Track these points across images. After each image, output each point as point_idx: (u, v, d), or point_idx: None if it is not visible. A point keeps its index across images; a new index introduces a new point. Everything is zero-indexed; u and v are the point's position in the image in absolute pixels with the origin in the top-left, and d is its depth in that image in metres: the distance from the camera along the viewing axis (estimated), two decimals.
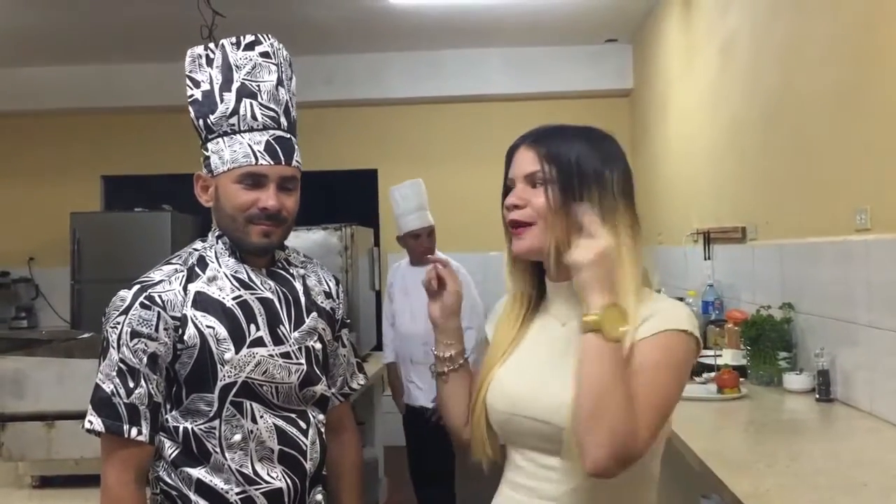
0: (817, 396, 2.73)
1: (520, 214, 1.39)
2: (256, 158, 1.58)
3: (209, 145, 1.62)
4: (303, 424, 1.64)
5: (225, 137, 1.60)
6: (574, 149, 1.39)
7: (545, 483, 1.37)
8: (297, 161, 1.64)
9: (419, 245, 4.24)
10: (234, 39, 1.65)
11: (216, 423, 1.56)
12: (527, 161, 1.41)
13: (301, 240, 5.19)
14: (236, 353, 1.56)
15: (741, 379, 2.95)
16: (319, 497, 1.69)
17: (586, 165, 1.37)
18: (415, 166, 6.60)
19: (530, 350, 1.44)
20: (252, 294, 1.62)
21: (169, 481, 1.58)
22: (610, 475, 1.23)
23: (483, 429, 1.45)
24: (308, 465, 1.63)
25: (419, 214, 4.24)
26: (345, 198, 6.61)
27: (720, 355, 3.26)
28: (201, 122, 1.63)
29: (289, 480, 1.60)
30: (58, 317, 6.81)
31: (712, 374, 2.93)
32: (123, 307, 1.55)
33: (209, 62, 1.64)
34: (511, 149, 1.46)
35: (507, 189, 1.44)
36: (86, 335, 3.50)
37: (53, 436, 2.26)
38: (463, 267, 4.27)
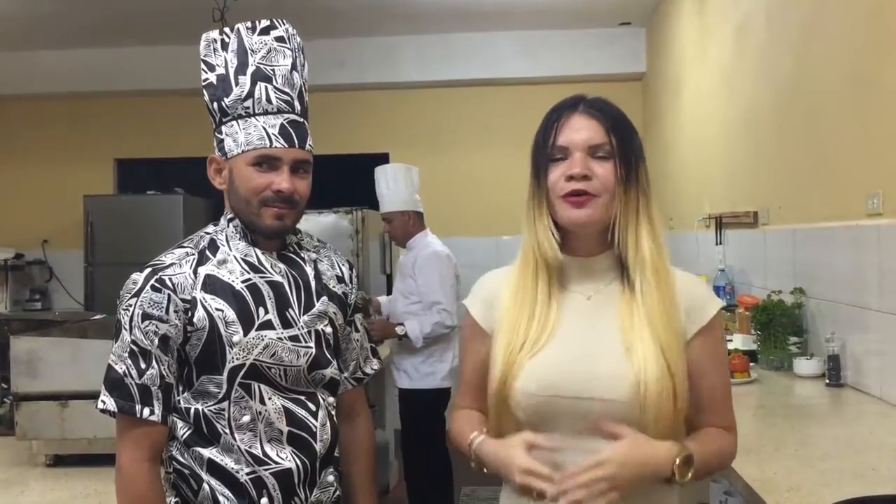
0: (827, 381, 2.73)
1: (589, 186, 1.35)
2: (271, 141, 1.59)
3: (223, 128, 1.63)
4: (312, 406, 1.65)
5: (240, 120, 1.61)
6: (628, 124, 1.42)
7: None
8: (309, 145, 1.66)
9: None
10: (249, 24, 1.66)
11: (225, 404, 1.57)
12: (590, 130, 1.38)
13: (312, 223, 5.21)
14: (245, 335, 1.57)
15: (751, 364, 2.95)
16: (331, 478, 1.69)
17: (637, 143, 1.42)
18: (426, 150, 6.61)
19: (564, 329, 1.40)
20: (261, 277, 1.63)
21: (182, 461, 1.60)
22: None
23: (503, 418, 1.42)
24: (318, 447, 1.64)
25: (382, 200, 4.24)
26: (356, 181, 6.59)
27: (731, 340, 3.26)
28: (216, 105, 1.64)
29: (298, 461, 1.61)
30: (71, 299, 6.87)
31: None
32: (135, 290, 1.57)
33: (224, 46, 1.65)
34: (558, 112, 1.41)
35: (550, 155, 1.38)
36: (99, 316, 3.54)
37: (67, 415, 2.28)
38: (444, 247, 4.15)
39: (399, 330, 4.03)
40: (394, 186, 4.19)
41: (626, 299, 1.38)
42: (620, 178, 1.37)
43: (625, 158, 1.38)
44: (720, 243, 4.13)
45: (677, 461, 1.29)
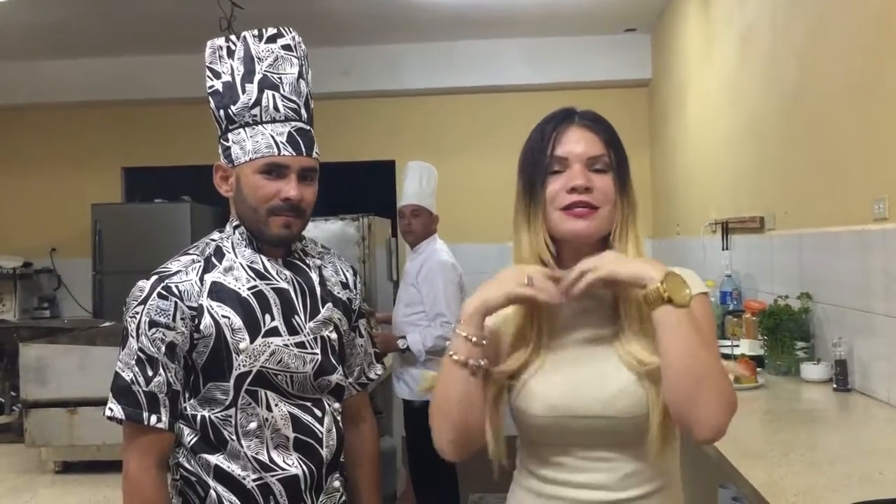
0: (835, 386, 2.72)
1: (591, 198, 1.36)
2: (279, 149, 1.59)
3: (230, 136, 1.63)
4: (318, 412, 1.65)
5: (247, 128, 1.61)
6: (620, 138, 1.42)
7: (594, 474, 1.36)
8: (316, 153, 1.67)
9: (400, 223, 4.30)
10: (255, 32, 1.67)
11: (232, 411, 1.58)
12: (588, 142, 1.38)
13: (319, 230, 5.23)
14: (251, 342, 1.58)
15: (758, 369, 2.94)
16: (337, 483, 1.70)
17: (627, 158, 1.42)
18: (432, 157, 6.58)
19: (564, 350, 1.39)
20: (267, 284, 1.63)
21: (189, 467, 1.61)
22: (723, 434, 1.26)
23: (501, 434, 1.41)
24: (324, 453, 1.65)
25: (406, 193, 4.25)
26: (362, 189, 6.63)
27: (738, 345, 3.26)
28: (222, 112, 1.64)
29: (304, 467, 1.62)
30: (79, 307, 6.90)
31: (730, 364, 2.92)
32: (142, 297, 1.57)
33: (230, 54, 1.65)
34: (553, 123, 1.41)
35: (548, 167, 1.38)
36: (107, 324, 3.55)
37: (75, 422, 2.29)
38: (451, 256, 4.16)
39: (401, 343, 3.99)
40: (425, 185, 4.25)
41: (620, 314, 1.37)
42: (617, 190, 1.38)
43: (621, 171, 1.40)
44: (727, 249, 4.13)
45: (664, 273, 1.26)
